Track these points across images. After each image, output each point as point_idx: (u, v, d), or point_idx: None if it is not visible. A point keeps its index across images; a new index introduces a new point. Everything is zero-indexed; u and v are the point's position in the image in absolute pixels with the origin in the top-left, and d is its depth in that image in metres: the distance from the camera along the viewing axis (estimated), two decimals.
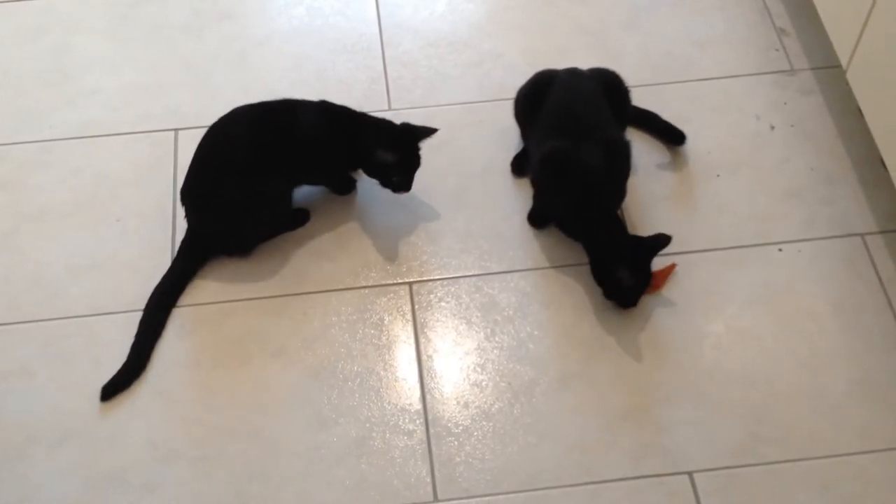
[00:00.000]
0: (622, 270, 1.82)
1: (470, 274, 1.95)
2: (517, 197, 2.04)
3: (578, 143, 1.89)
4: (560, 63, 2.07)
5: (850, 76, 1.99)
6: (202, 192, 1.92)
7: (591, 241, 1.88)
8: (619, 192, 1.93)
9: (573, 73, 2.03)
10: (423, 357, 1.85)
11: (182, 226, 1.98)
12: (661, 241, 1.83)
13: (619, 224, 1.89)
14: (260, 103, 1.97)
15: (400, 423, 1.78)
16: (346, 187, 2.05)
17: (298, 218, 2.00)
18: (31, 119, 2.20)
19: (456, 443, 1.76)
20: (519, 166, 2.07)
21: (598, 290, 1.90)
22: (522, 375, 1.82)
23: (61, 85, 2.26)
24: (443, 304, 1.91)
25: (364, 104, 2.17)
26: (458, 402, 1.80)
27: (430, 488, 1.71)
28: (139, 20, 2.38)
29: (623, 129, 2.03)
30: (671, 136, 2.10)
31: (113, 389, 1.81)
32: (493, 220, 2.01)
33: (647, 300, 1.89)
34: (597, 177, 1.88)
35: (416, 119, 2.15)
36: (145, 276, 1.93)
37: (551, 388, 1.81)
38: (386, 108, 2.18)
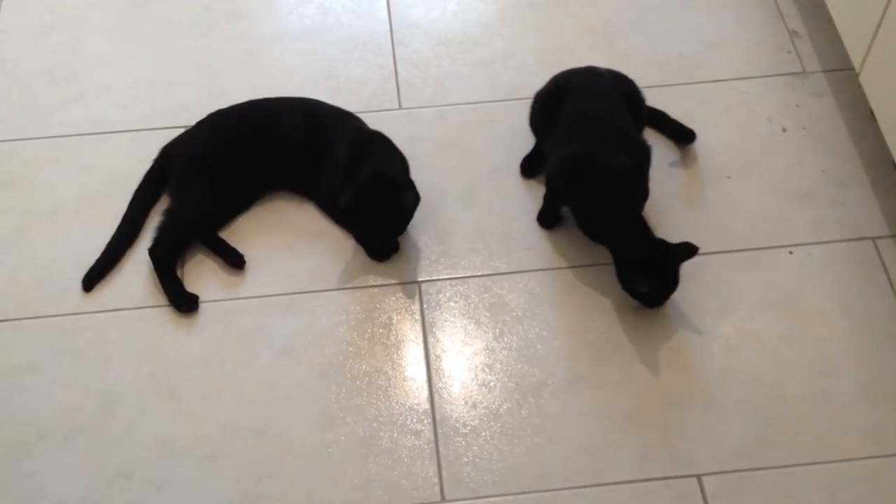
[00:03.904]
0: (639, 275, 1.80)
1: (479, 274, 1.94)
2: (527, 197, 2.03)
3: (600, 145, 1.87)
4: (570, 63, 2.06)
5: (862, 79, 1.99)
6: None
7: (615, 243, 1.85)
8: (643, 192, 1.91)
9: (590, 73, 2.01)
10: (432, 357, 1.85)
11: None
12: (689, 251, 1.81)
13: (644, 226, 1.85)
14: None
15: (408, 422, 1.77)
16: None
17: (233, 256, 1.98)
18: (39, 116, 2.20)
19: (464, 443, 1.75)
20: (528, 167, 2.06)
21: (607, 292, 1.90)
22: (531, 376, 1.82)
23: (70, 82, 2.26)
24: (451, 303, 1.91)
25: (374, 103, 2.18)
26: (466, 403, 1.80)
27: (437, 488, 1.71)
28: (148, 17, 2.38)
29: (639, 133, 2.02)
30: (680, 135, 2.09)
31: (91, 280, 1.93)
32: (502, 221, 2.00)
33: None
34: (621, 178, 1.86)
35: (426, 119, 2.16)
36: (152, 273, 1.93)
37: (560, 389, 1.80)
38: (396, 107, 2.18)
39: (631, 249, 1.83)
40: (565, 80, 2.01)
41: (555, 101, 1.98)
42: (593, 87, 1.99)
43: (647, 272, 1.80)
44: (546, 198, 1.99)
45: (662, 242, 1.84)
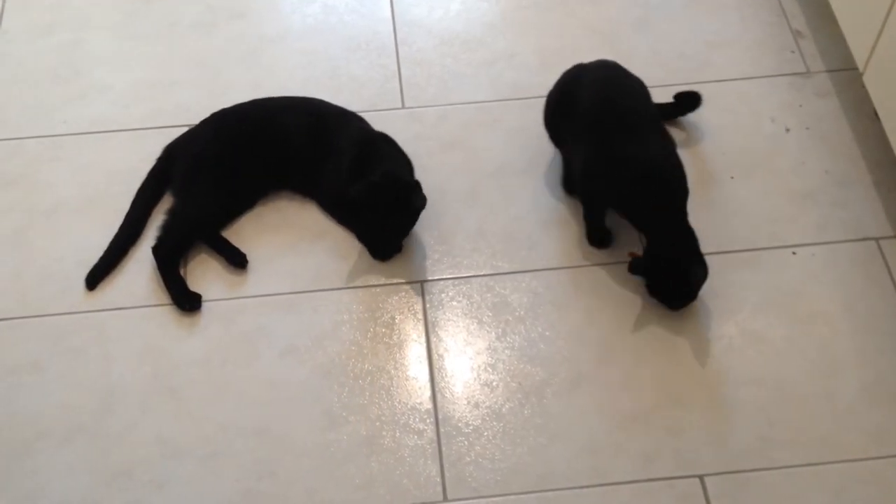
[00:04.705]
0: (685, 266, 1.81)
1: (482, 273, 1.94)
2: (530, 197, 2.03)
3: (625, 135, 1.85)
4: (573, 63, 2.04)
5: (866, 79, 1.98)
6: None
7: (658, 233, 1.83)
8: (681, 175, 1.86)
9: (602, 65, 1.98)
10: (434, 356, 1.85)
11: None
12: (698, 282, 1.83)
13: (689, 230, 1.84)
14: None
15: (410, 421, 1.77)
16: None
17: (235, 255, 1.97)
18: (42, 114, 2.20)
19: (466, 442, 1.75)
20: (571, 184, 2.00)
21: (610, 292, 1.90)
22: (533, 376, 1.82)
23: (73, 80, 2.26)
24: (454, 303, 1.91)
25: (377, 102, 2.18)
26: (468, 402, 1.79)
27: (439, 488, 1.70)
28: (151, 16, 2.38)
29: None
30: (688, 103, 2.06)
31: (94, 278, 1.93)
32: (505, 220, 2.00)
33: (658, 302, 1.87)
34: (654, 165, 1.84)
35: (429, 118, 2.16)
36: (155, 272, 1.93)
37: (562, 389, 1.80)
38: (399, 106, 2.18)
39: (674, 244, 1.81)
40: (575, 75, 1.98)
41: (568, 99, 1.94)
42: (607, 77, 1.95)
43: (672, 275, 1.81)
44: (586, 214, 1.95)
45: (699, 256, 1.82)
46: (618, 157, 1.83)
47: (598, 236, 1.95)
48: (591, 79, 1.94)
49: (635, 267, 1.83)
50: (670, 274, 1.82)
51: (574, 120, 1.92)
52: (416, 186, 1.88)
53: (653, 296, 1.86)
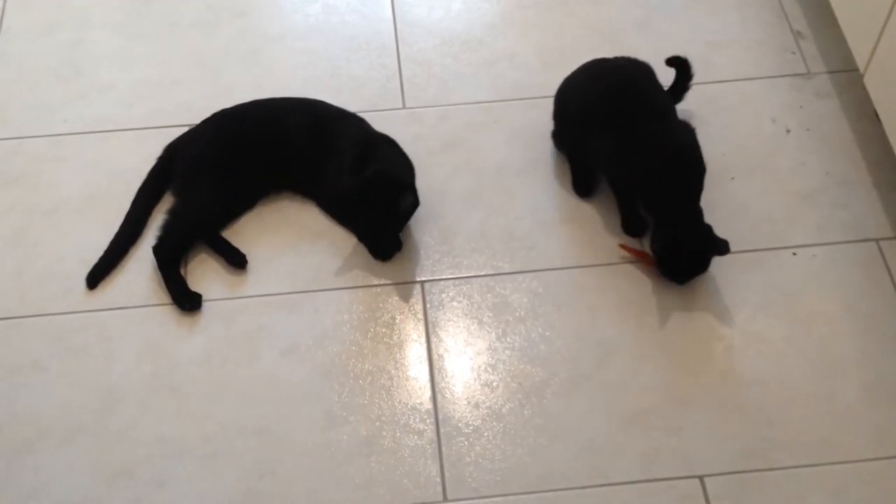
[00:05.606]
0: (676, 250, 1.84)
1: (482, 274, 1.94)
2: (530, 197, 2.03)
3: (637, 123, 1.89)
4: (573, 63, 2.05)
5: (866, 80, 1.99)
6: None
7: (666, 215, 1.86)
8: (699, 157, 1.91)
9: (583, 68, 2.02)
10: (435, 356, 1.85)
11: None
12: (725, 248, 1.84)
13: (698, 208, 1.87)
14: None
15: (410, 422, 1.77)
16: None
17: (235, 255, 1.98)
18: (44, 113, 2.20)
19: (466, 443, 1.75)
20: (585, 187, 2.03)
21: (610, 292, 1.90)
22: (534, 376, 1.82)
23: (74, 80, 2.26)
24: (454, 303, 1.91)
25: (378, 102, 2.18)
26: (468, 402, 1.80)
27: (439, 488, 1.71)
28: (153, 16, 2.38)
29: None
30: (682, 70, 2.07)
31: (95, 278, 1.93)
32: (506, 221, 2.00)
33: (658, 302, 1.88)
34: (671, 147, 1.88)
35: (430, 118, 2.16)
36: (155, 271, 1.93)
37: (562, 390, 1.80)
38: (400, 106, 2.18)
39: (679, 224, 1.84)
40: (566, 84, 2.03)
41: (573, 110, 1.99)
42: (592, 75, 1.99)
43: (685, 250, 1.83)
44: (620, 205, 1.98)
45: (709, 229, 1.85)
46: (639, 136, 1.88)
47: (633, 223, 1.96)
48: (579, 81, 2.00)
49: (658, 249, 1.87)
50: (690, 253, 1.84)
51: (582, 125, 1.96)
52: (409, 188, 1.88)
53: (665, 274, 1.87)
